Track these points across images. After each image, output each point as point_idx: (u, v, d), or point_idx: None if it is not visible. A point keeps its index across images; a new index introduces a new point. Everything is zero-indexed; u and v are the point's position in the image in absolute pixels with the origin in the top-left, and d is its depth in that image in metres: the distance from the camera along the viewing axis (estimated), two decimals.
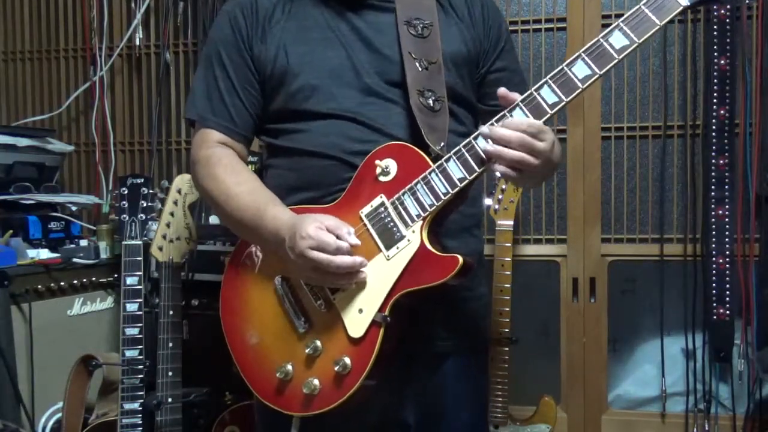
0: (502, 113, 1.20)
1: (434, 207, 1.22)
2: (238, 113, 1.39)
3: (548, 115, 1.18)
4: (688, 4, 1.14)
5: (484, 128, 1.19)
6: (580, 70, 1.17)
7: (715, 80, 2.31)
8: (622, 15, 1.16)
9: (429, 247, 1.21)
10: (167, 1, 2.74)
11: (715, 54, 2.31)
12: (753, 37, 2.32)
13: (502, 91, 1.21)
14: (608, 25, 1.18)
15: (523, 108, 1.18)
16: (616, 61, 1.16)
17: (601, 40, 1.16)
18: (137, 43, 2.76)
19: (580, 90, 1.17)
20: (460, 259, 1.19)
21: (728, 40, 2.29)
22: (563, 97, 1.17)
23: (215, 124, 1.39)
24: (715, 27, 2.31)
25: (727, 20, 2.29)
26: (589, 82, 1.17)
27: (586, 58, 1.16)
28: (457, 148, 1.22)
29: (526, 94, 1.19)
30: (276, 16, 1.37)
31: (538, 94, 1.18)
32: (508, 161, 1.17)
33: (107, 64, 2.80)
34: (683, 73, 2.41)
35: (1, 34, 2.96)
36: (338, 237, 1.21)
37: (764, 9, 2.27)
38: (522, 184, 1.54)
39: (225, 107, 1.39)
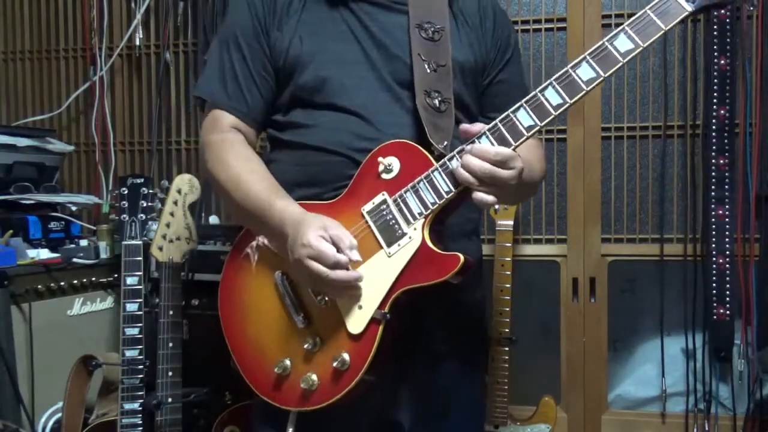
0: (504, 114, 1.21)
1: (436, 205, 1.22)
2: (253, 98, 1.37)
3: (552, 117, 1.19)
4: (693, 9, 1.15)
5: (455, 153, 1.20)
6: (585, 72, 1.17)
7: (715, 80, 2.31)
8: (622, 15, 1.17)
9: (430, 245, 1.21)
10: (167, 1, 2.74)
11: (715, 54, 2.30)
12: (753, 37, 2.31)
13: (464, 126, 1.22)
14: (608, 25, 1.19)
15: (527, 108, 1.19)
16: (620, 64, 1.17)
17: (606, 43, 1.17)
18: (137, 43, 2.76)
19: (584, 92, 1.18)
20: (461, 257, 1.19)
21: (728, 40, 2.29)
22: (567, 98, 1.18)
23: (229, 107, 1.38)
24: (715, 27, 2.30)
25: (727, 20, 2.29)
26: (593, 84, 1.17)
27: (591, 61, 1.17)
28: (461, 147, 1.22)
29: (530, 95, 1.20)
30: (294, 6, 1.37)
31: (542, 95, 1.18)
32: (476, 187, 1.18)
33: (107, 64, 2.80)
34: (683, 73, 2.41)
35: (1, 34, 2.96)
36: (339, 249, 1.19)
37: (764, 9, 2.27)
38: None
39: (240, 90, 1.37)
